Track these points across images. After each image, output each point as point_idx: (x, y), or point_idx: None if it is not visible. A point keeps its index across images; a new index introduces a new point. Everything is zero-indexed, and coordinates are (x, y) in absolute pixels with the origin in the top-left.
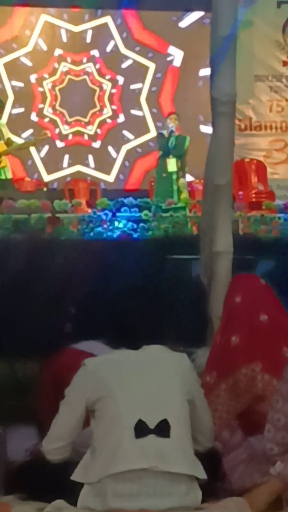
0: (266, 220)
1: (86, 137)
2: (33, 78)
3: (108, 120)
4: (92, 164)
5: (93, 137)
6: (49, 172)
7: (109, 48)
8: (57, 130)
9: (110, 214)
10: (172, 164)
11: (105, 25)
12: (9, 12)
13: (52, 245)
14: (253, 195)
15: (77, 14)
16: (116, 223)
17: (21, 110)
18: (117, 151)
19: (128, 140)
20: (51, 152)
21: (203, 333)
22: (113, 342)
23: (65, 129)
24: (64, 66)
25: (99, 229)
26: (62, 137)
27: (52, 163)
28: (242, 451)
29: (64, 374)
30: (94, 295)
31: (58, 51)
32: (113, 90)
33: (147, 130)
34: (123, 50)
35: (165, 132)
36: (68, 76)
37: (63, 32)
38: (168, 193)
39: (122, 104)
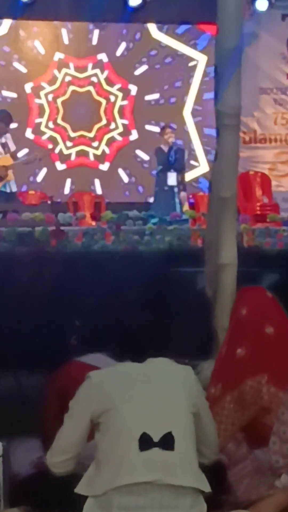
0: (271, 232)
1: (92, 157)
2: (28, 87)
3: (103, 127)
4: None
5: (101, 158)
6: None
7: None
8: (57, 149)
9: (114, 227)
10: (172, 178)
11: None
12: (7, 22)
13: (56, 258)
14: (258, 208)
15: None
16: (120, 236)
17: (15, 125)
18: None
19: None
20: (50, 176)
21: (208, 346)
22: (118, 355)
23: (67, 147)
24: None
25: (104, 242)
26: (64, 158)
27: (52, 188)
28: (248, 464)
29: (69, 386)
30: (99, 308)
31: (68, 78)
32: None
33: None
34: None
35: (163, 146)
36: (71, 87)
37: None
38: (170, 206)
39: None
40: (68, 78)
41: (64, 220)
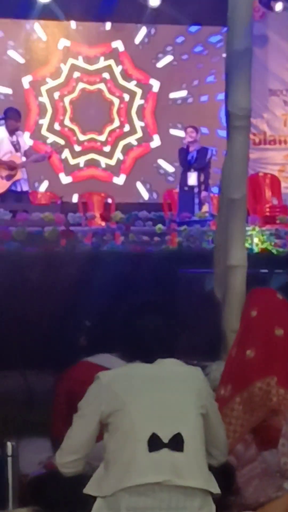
0: (280, 234)
1: (98, 143)
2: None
3: (117, 130)
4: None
5: (104, 143)
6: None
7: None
8: (74, 138)
9: (124, 227)
10: (192, 178)
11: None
12: (23, 23)
13: (66, 258)
14: (267, 209)
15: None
16: (130, 237)
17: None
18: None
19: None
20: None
21: (217, 347)
22: (127, 356)
23: (75, 152)
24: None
25: (113, 242)
26: (69, 170)
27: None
28: (256, 466)
29: (78, 387)
30: (108, 308)
31: (76, 74)
32: (121, 106)
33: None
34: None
35: (185, 146)
36: (80, 84)
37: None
38: (189, 206)
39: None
40: (76, 74)
41: (73, 220)
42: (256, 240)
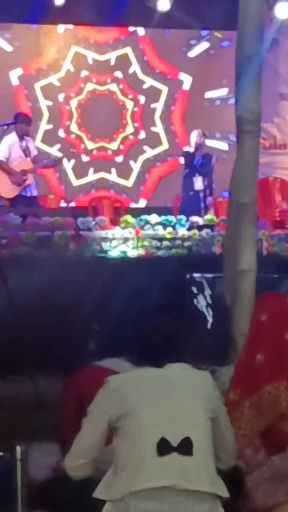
0: None
1: (109, 152)
2: (61, 97)
3: (130, 137)
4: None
5: (116, 152)
6: (75, 183)
7: (130, 72)
8: (82, 146)
9: (133, 231)
10: (198, 182)
11: (125, 55)
12: (34, 28)
13: (75, 262)
14: (277, 214)
15: (103, 47)
16: (139, 241)
17: (50, 126)
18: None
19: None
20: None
21: (226, 351)
22: (136, 360)
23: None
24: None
25: (123, 246)
26: (87, 152)
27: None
28: (265, 470)
29: (87, 391)
30: (117, 312)
31: (84, 73)
32: (135, 109)
33: (160, 143)
34: (141, 76)
35: (190, 149)
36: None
37: (90, 58)
38: (196, 211)
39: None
40: (84, 73)
41: (83, 224)
42: (265, 244)
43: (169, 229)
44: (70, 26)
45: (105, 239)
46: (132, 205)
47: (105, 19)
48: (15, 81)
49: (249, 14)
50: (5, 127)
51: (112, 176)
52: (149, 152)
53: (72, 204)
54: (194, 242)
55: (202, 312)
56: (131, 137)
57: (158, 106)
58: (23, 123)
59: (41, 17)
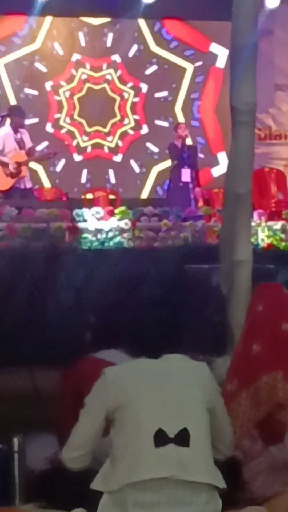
0: (286, 229)
1: (106, 149)
2: (48, 85)
3: (130, 131)
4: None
5: (114, 150)
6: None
7: (133, 50)
8: (74, 142)
9: (129, 223)
10: (186, 174)
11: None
12: (23, 19)
13: (71, 254)
14: (273, 204)
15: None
16: (135, 232)
17: (35, 120)
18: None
19: (153, 154)
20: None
21: (223, 342)
22: (133, 351)
23: (83, 141)
24: (82, 73)
25: (119, 238)
26: (81, 150)
27: (70, 177)
28: (263, 460)
29: (84, 383)
30: (114, 304)
31: (76, 56)
32: (136, 99)
33: None
34: (155, 48)
35: (176, 142)
36: (87, 84)
37: (81, 35)
38: (185, 202)
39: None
40: (84, 76)
41: (79, 216)
42: (261, 235)
43: (165, 220)
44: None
45: (101, 230)
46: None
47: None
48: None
49: (244, 5)
50: None
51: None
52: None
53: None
54: (190, 233)
55: (198, 303)
56: (118, 123)
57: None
58: (17, 116)
59: (34, 9)
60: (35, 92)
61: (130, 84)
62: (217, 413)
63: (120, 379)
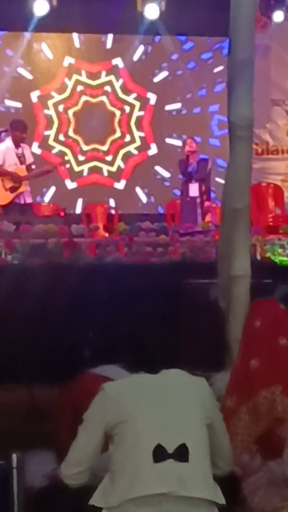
0: (283, 244)
1: (105, 173)
2: (34, 96)
3: (135, 152)
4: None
5: (116, 175)
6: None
7: (137, 56)
8: (67, 165)
9: (127, 238)
10: (194, 189)
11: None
12: (21, 35)
13: (69, 270)
14: (270, 219)
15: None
16: (133, 248)
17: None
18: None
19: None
20: (58, 195)
21: (222, 357)
22: (131, 367)
23: (79, 161)
24: (77, 81)
25: (117, 253)
26: (75, 176)
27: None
28: (262, 475)
29: (83, 398)
30: (112, 319)
31: (68, 60)
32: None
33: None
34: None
35: (184, 158)
36: (83, 97)
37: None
38: (192, 217)
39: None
40: (80, 88)
41: (77, 231)
42: (259, 250)
43: (163, 235)
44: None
45: (99, 246)
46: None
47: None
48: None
49: (241, 20)
50: (2, 134)
51: (103, 165)
52: (128, 148)
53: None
54: (188, 249)
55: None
56: (119, 140)
57: (133, 115)
58: (17, 130)
59: (32, 24)
60: (18, 104)
61: (134, 95)
62: (216, 428)
63: (118, 395)
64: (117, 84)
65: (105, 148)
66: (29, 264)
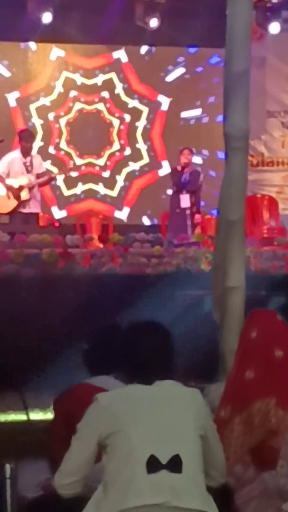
0: (278, 256)
1: (97, 168)
2: (51, 116)
3: (117, 153)
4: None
5: (103, 168)
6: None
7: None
8: (71, 162)
9: (122, 249)
10: (185, 200)
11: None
12: (21, 45)
13: (64, 280)
14: (265, 231)
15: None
16: (128, 259)
17: (41, 144)
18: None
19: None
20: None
21: (215, 368)
22: (125, 377)
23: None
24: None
25: (111, 264)
26: (76, 168)
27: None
28: (255, 487)
29: (76, 409)
30: (106, 330)
31: (73, 93)
32: (121, 127)
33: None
34: (124, 98)
35: (178, 167)
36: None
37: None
38: (182, 228)
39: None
40: (73, 93)
41: (71, 242)
42: (254, 262)
43: (158, 246)
44: (62, 53)
45: (93, 256)
46: (117, 214)
47: (93, 37)
48: (12, 103)
49: (237, 31)
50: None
51: (99, 187)
52: (132, 166)
53: (64, 213)
54: (182, 260)
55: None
56: (117, 153)
57: (139, 124)
58: (23, 140)
59: (30, 36)
60: (41, 121)
61: (141, 98)
62: (210, 439)
63: (112, 405)
64: (119, 85)
65: (101, 162)
66: (23, 274)
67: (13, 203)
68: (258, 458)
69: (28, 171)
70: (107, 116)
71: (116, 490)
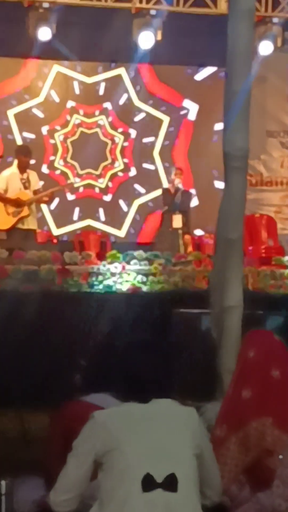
0: (276, 275)
1: (97, 190)
2: (44, 130)
3: (120, 174)
4: (102, 217)
5: (104, 190)
6: (59, 225)
7: (122, 101)
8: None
9: (120, 266)
10: (177, 220)
11: (119, 76)
12: (21, 62)
13: (61, 297)
14: (263, 250)
15: (91, 66)
16: (125, 276)
17: (32, 162)
18: (128, 205)
19: (140, 195)
20: (61, 205)
21: (212, 387)
22: (122, 395)
23: (76, 182)
24: (76, 119)
25: (109, 281)
26: (73, 190)
27: (62, 216)
28: (250, 506)
29: (73, 426)
30: (103, 347)
31: (70, 103)
32: (125, 144)
33: (159, 184)
34: (137, 103)
35: (170, 187)
36: (80, 129)
37: (76, 83)
38: (174, 248)
39: (134, 158)
40: (77, 121)
41: (70, 259)
42: (251, 281)
43: (155, 264)
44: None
45: (91, 273)
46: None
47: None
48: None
49: (238, 51)
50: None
51: (100, 225)
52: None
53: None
54: (180, 278)
55: (188, 348)
56: (120, 174)
57: (158, 139)
58: (21, 155)
59: (26, 52)
60: (32, 136)
61: (120, 129)
62: (206, 458)
63: (108, 423)
64: (107, 122)
65: (98, 172)
66: (21, 290)
67: (12, 219)
68: (254, 477)
69: (26, 187)
70: (102, 138)
71: (111, 508)
